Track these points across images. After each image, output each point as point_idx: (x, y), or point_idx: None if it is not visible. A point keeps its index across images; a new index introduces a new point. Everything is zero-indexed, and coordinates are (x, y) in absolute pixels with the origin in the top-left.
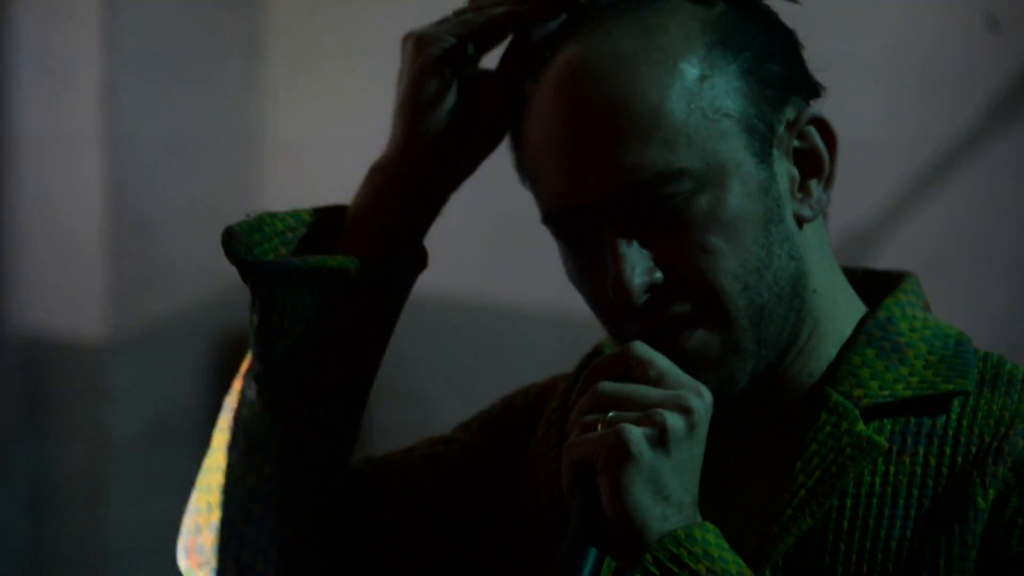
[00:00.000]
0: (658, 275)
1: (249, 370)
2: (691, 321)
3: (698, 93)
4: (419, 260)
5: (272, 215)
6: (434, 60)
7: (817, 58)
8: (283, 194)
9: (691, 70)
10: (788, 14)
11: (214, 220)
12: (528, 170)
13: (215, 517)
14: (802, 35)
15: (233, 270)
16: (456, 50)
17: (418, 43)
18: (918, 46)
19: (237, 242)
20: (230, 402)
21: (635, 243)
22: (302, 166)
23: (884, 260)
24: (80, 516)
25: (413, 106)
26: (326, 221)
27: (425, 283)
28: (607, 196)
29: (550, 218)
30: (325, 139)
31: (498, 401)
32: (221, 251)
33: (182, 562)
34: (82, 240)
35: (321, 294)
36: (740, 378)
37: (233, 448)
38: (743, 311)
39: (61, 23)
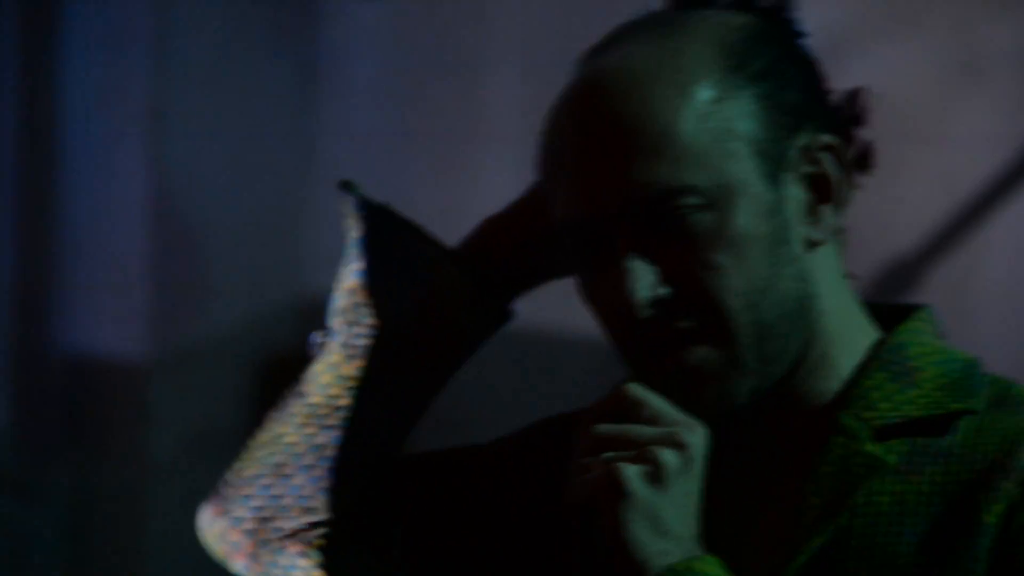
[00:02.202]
0: (663, 290)
1: (325, 339)
2: (694, 336)
3: (710, 114)
4: (502, 314)
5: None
6: None
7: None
8: (332, 219)
9: (704, 92)
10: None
11: (259, 243)
12: (544, 183)
13: (247, 472)
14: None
15: (276, 293)
16: None
17: None
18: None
19: (357, 188)
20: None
21: (642, 258)
22: None
23: (928, 293)
24: (119, 536)
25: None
26: None
27: None
28: (616, 211)
29: (561, 231)
30: (375, 164)
31: (537, 420)
32: (265, 274)
33: (204, 514)
34: (127, 260)
35: (411, 267)
36: (740, 395)
37: (283, 416)
38: (746, 328)
39: (112, 43)
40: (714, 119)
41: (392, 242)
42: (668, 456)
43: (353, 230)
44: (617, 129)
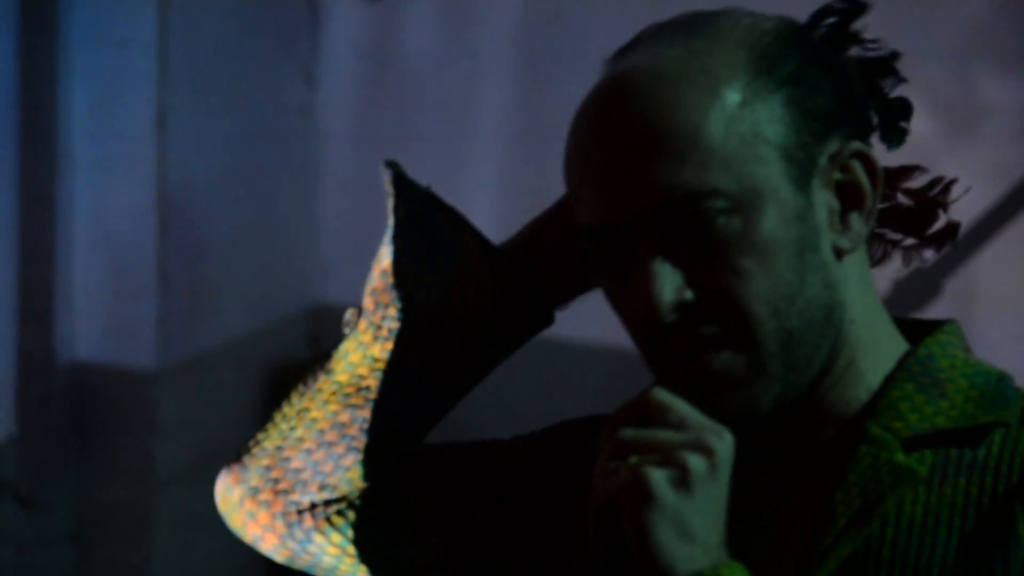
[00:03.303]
0: (688, 294)
1: (361, 315)
2: (718, 342)
3: (738, 117)
4: (540, 317)
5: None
6: None
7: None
8: (337, 224)
9: (733, 95)
10: None
11: (266, 249)
12: (569, 187)
13: (267, 444)
14: None
15: (284, 301)
16: None
17: None
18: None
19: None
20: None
21: (667, 262)
22: (356, 196)
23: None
24: (125, 548)
25: None
26: None
27: None
28: (641, 214)
29: (587, 234)
30: (379, 168)
31: (562, 421)
32: (273, 282)
33: (220, 482)
34: (133, 268)
35: (447, 255)
36: (765, 402)
37: (309, 391)
38: (771, 335)
39: (116, 48)
40: (742, 123)
41: (432, 227)
42: (695, 461)
43: (392, 210)
44: (643, 131)
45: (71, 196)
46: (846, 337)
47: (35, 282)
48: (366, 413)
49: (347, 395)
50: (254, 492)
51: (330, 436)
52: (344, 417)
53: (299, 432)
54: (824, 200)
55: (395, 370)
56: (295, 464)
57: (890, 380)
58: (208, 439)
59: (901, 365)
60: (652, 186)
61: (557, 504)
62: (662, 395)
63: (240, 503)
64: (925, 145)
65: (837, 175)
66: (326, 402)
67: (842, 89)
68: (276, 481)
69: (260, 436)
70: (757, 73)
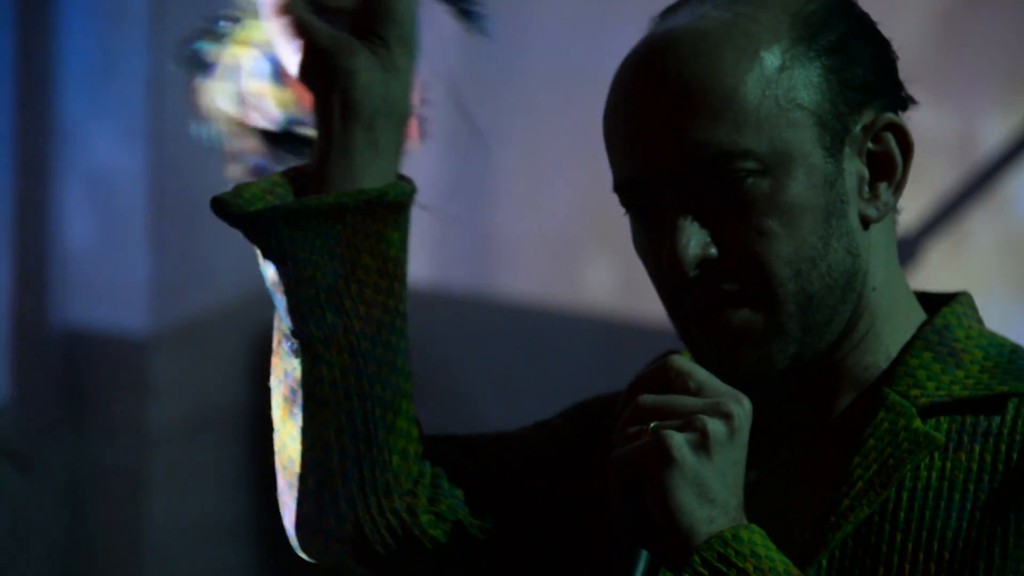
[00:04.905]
0: (712, 251)
1: (282, 338)
2: (739, 299)
3: (775, 82)
4: (406, 184)
5: (245, 183)
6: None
7: None
8: None
9: (772, 59)
10: None
11: None
12: (606, 138)
13: (310, 482)
14: None
15: None
16: None
17: None
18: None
19: (229, 204)
20: (275, 379)
21: (695, 219)
22: None
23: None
24: (119, 510)
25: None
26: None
27: (468, 284)
28: (673, 170)
29: (619, 186)
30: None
31: (576, 403)
32: None
33: (299, 538)
34: (126, 233)
35: (326, 233)
36: (779, 360)
37: (295, 415)
38: (791, 296)
39: (111, 16)
40: (779, 87)
41: (290, 223)
42: (714, 425)
43: (253, 245)
44: (681, 89)
45: (65, 163)
46: (867, 304)
47: (30, 247)
48: (367, 405)
49: (338, 401)
50: (331, 534)
51: (358, 448)
52: (356, 422)
53: (331, 460)
54: (854, 168)
55: (359, 347)
56: (347, 489)
57: (908, 348)
58: (200, 402)
59: (919, 334)
60: (685, 143)
61: (582, 484)
62: (681, 362)
63: (327, 549)
64: None
65: (869, 145)
66: (326, 421)
67: (882, 61)
68: (341, 511)
69: (300, 478)
70: (799, 40)
